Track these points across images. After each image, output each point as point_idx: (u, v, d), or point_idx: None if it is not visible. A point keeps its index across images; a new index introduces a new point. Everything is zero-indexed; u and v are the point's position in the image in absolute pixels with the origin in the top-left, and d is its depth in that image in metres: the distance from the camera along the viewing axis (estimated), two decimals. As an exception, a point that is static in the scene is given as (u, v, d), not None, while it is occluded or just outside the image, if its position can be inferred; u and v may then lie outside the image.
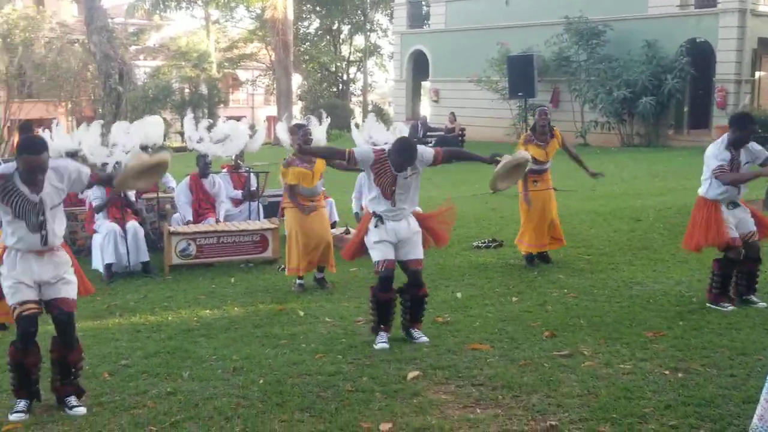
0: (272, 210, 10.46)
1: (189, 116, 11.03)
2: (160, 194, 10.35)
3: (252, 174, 10.57)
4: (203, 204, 9.99)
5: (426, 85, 34.00)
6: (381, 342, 5.79)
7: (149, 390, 4.95)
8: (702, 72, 23.25)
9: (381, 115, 32.50)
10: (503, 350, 5.53)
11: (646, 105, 22.91)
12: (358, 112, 40.94)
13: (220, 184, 10.17)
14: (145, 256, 8.98)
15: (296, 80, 40.32)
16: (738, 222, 6.44)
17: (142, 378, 5.21)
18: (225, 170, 10.81)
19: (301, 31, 43.80)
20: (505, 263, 8.67)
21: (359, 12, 43.16)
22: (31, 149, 4.42)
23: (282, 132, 9.21)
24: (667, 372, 4.92)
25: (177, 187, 10.31)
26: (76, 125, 27.44)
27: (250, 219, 10.16)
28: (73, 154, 9.75)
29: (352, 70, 46.40)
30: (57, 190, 4.58)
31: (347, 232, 9.70)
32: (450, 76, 30.12)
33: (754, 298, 6.55)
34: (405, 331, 5.96)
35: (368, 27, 44.05)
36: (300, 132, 7.68)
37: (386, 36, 44.34)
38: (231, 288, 8.10)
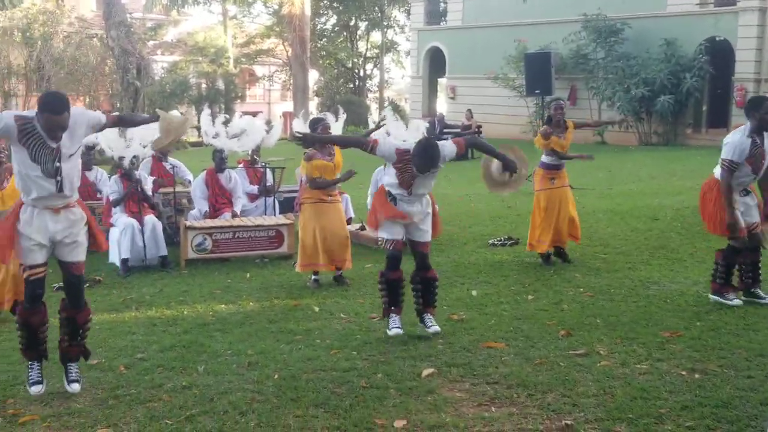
0: (288, 205, 10.47)
1: (206, 111, 11.08)
2: (177, 189, 10.39)
3: (268, 169, 10.58)
4: (219, 199, 10.04)
5: (443, 81, 33.93)
6: (394, 327, 5.81)
7: (165, 383, 4.97)
8: (721, 71, 23.05)
9: (397, 110, 32.45)
10: (518, 349, 5.51)
11: (664, 104, 22.76)
12: (374, 108, 40.86)
13: (236, 180, 10.21)
14: (164, 251, 9.04)
15: (313, 76, 40.34)
16: (745, 210, 6.37)
17: (158, 371, 5.23)
18: (241, 165, 10.82)
19: (318, 27, 43.80)
20: (521, 261, 8.63)
21: (376, 8, 43.07)
22: (54, 110, 4.43)
23: (299, 127, 9.23)
24: (683, 372, 4.89)
25: (193, 182, 10.36)
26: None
27: (265, 214, 10.19)
28: (90, 147, 9.85)
29: (369, 66, 46.33)
30: (74, 138, 4.61)
31: (362, 228, 9.70)
32: (467, 73, 30.06)
33: (760, 293, 6.53)
34: (419, 317, 5.95)
35: (385, 23, 43.97)
36: (319, 125, 7.67)
37: (403, 32, 44.26)
38: (246, 283, 8.12)
